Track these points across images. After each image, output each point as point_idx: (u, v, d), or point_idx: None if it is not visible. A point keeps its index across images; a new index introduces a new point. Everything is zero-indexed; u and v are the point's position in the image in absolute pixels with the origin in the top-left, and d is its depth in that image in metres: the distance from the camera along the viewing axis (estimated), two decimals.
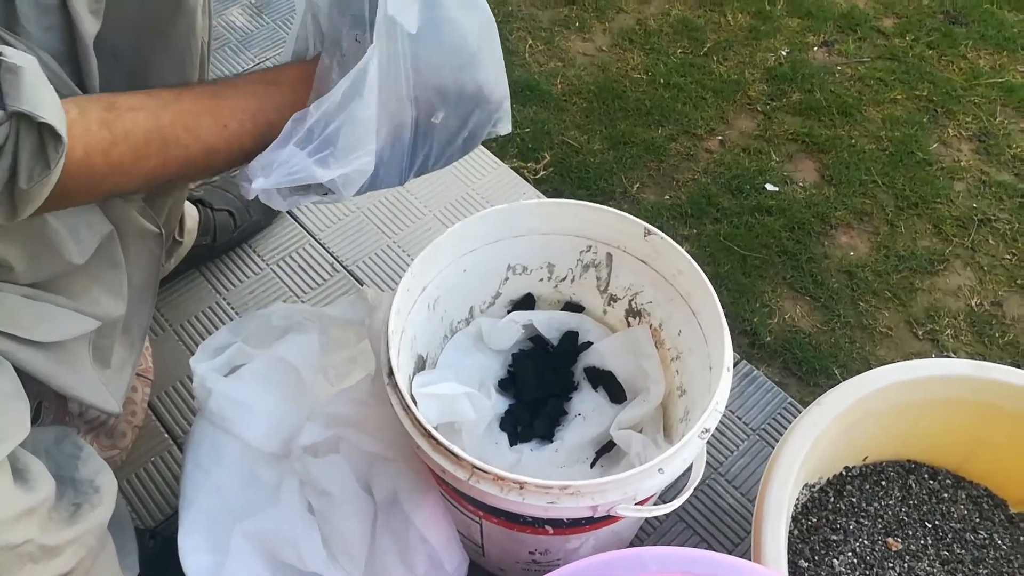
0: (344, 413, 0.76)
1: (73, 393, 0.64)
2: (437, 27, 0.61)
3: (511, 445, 0.82)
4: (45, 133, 0.47)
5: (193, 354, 0.98)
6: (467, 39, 0.63)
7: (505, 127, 0.70)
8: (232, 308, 1.04)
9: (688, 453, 0.63)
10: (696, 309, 0.74)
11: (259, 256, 1.09)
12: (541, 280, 0.86)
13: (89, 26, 0.60)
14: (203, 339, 1.00)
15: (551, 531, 0.68)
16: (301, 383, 0.77)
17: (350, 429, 0.76)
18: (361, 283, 1.07)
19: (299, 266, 1.09)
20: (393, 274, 1.08)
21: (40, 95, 0.47)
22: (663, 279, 0.77)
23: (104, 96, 0.55)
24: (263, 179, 0.57)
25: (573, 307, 0.88)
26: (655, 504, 0.69)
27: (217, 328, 1.02)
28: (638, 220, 0.76)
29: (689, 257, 0.73)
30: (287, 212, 1.14)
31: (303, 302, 1.05)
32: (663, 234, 0.75)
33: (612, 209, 0.77)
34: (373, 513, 0.74)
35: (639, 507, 0.63)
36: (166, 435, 0.93)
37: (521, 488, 0.59)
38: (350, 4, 0.60)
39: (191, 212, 1.01)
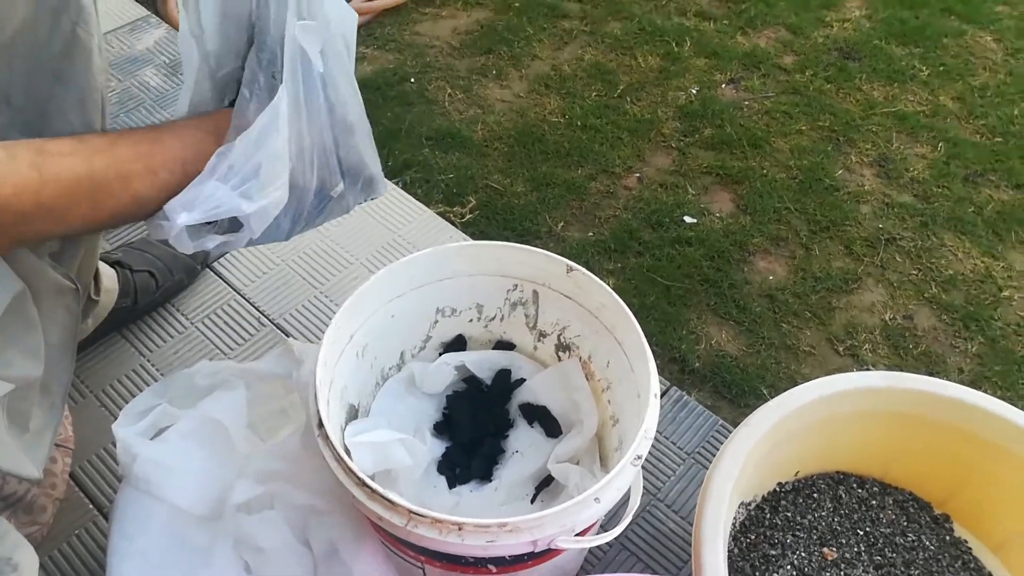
0: (276, 468, 0.75)
1: None
2: (341, 93, 0.65)
3: (450, 488, 0.81)
4: None
5: (116, 420, 0.95)
6: (357, 111, 0.69)
7: (381, 192, 0.77)
8: (157, 369, 1.01)
9: (622, 481, 0.64)
10: (621, 340, 0.76)
11: (183, 315, 1.07)
12: (471, 321, 0.87)
13: None
14: (126, 403, 0.97)
15: (495, 570, 0.67)
16: (229, 440, 0.76)
17: (283, 484, 0.74)
18: (289, 336, 1.06)
19: (224, 323, 1.07)
20: (322, 325, 1.07)
21: None
22: (588, 313, 0.79)
23: (32, 140, 0.55)
24: (187, 214, 0.58)
25: (504, 345, 0.89)
26: (596, 534, 0.70)
27: (142, 391, 0.99)
28: (560, 258, 0.77)
29: (611, 290, 0.75)
30: (210, 268, 1.12)
31: (230, 359, 1.02)
32: (584, 270, 0.77)
33: (534, 248, 0.78)
34: (312, 567, 0.72)
35: (579, 538, 0.63)
36: (91, 506, 0.89)
37: (460, 529, 0.59)
38: (264, 45, 0.61)
39: (108, 273, 0.98)
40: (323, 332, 1.06)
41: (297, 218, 0.69)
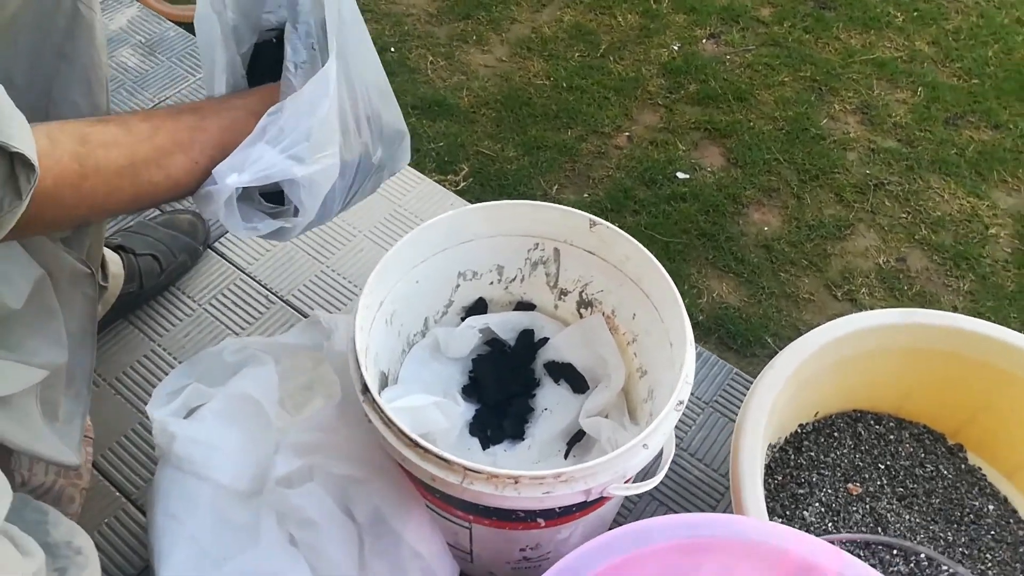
0: (313, 440, 0.74)
1: (29, 449, 0.60)
2: (364, 58, 0.65)
3: (483, 449, 0.82)
4: (17, 163, 0.46)
5: (133, 406, 0.95)
6: (383, 76, 0.68)
7: (406, 162, 0.76)
8: (168, 353, 1.00)
9: (667, 426, 0.65)
10: (648, 291, 0.77)
11: (189, 297, 1.05)
12: (491, 283, 0.87)
13: None
14: (141, 389, 0.97)
15: (543, 523, 0.68)
16: (264, 416, 0.75)
17: (321, 456, 0.74)
18: (300, 312, 1.05)
19: (232, 302, 1.05)
20: (331, 299, 1.07)
21: (10, 123, 0.45)
22: (612, 267, 0.79)
23: (76, 127, 0.53)
24: (236, 176, 0.57)
25: (524, 306, 0.90)
26: (634, 483, 0.71)
27: (156, 376, 0.98)
28: (582, 213, 0.78)
29: (636, 242, 0.75)
30: (212, 249, 1.11)
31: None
32: (608, 223, 0.77)
33: (556, 205, 0.78)
34: (358, 537, 0.73)
35: (628, 485, 0.64)
36: (117, 494, 0.88)
37: (516, 483, 0.60)
38: (298, 17, 0.60)
39: (113, 258, 0.96)
40: (332, 306, 1.05)
41: (344, 194, 0.68)
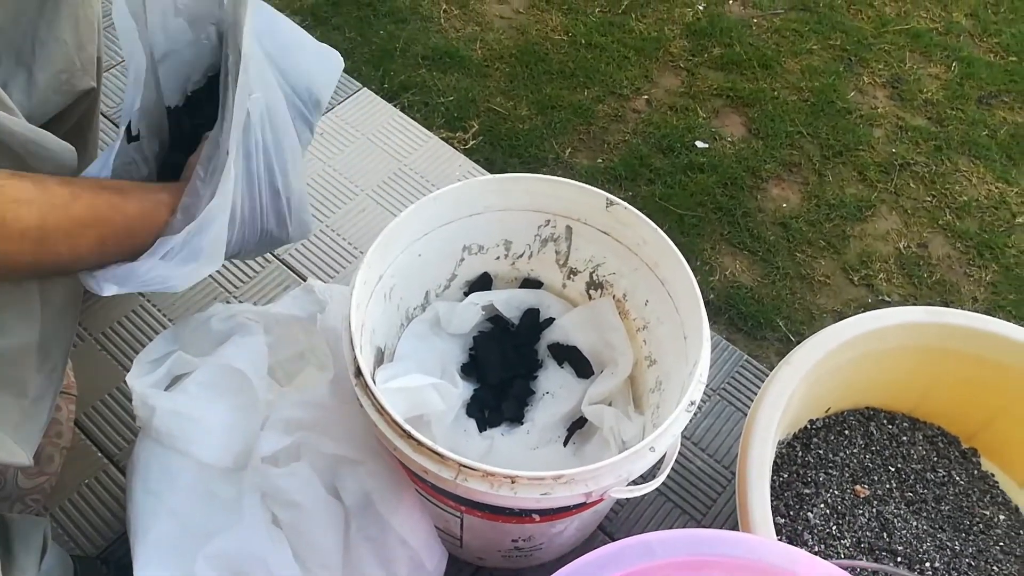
0: (303, 417, 0.71)
1: None
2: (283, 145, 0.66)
3: (480, 431, 0.79)
4: None
5: (119, 363, 0.91)
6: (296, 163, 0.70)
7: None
8: (158, 310, 0.96)
9: (676, 428, 0.61)
10: (664, 278, 0.72)
11: None
12: (497, 258, 0.82)
13: None
14: (128, 346, 0.93)
15: (538, 519, 0.65)
16: (252, 389, 0.71)
17: (310, 433, 0.71)
18: (296, 272, 1.01)
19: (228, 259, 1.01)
20: (330, 260, 1.02)
21: None
22: (627, 249, 0.75)
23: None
24: (116, 287, 0.57)
25: (531, 283, 0.85)
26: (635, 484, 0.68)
27: (143, 333, 0.94)
28: (598, 191, 0.73)
29: (655, 226, 0.71)
30: None
31: (236, 297, 0.97)
32: (626, 204, 0.72)
33: (571, 181, 0.73)
34: (344, 519, 0.70)
35: (631, 487, 0.61)
36: (99, 454, 0.85)
37: (513, 483, 0.56)
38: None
39: None
40: (331, 267, 1.01)
41: (237, 254, 0.70)
